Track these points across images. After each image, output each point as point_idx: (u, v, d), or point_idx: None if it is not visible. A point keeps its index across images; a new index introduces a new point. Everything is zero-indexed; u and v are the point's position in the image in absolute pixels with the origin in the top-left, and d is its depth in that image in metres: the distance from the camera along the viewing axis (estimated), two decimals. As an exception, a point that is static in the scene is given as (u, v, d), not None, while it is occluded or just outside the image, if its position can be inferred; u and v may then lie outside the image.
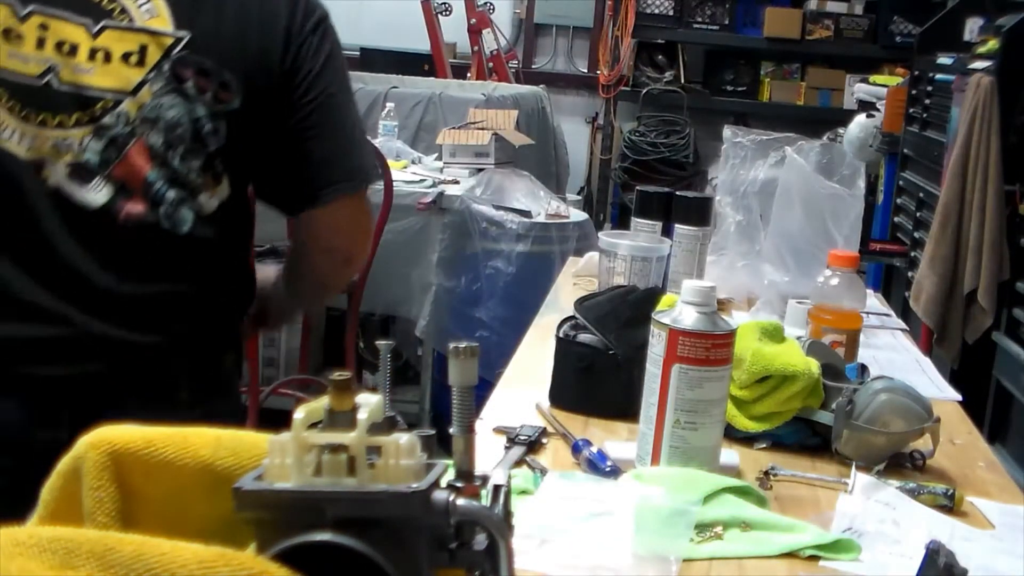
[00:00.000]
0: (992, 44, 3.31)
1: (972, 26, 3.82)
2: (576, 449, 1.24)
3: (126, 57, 1.30)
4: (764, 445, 1.33)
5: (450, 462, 0.69)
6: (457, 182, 3.59)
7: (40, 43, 1.28)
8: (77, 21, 1.29)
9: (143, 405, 1.29)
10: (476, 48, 5.79)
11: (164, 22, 1.30)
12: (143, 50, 1.30)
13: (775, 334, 1.38)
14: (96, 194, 1.30)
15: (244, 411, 1.59)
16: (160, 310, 1.33)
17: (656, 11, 6.30)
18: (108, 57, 1.30)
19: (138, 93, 1.30)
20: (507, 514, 0.69)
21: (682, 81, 6.41)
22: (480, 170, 3.69)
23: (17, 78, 1.28)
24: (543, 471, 1.18)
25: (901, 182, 4.22)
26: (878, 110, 4.59)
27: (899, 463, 1.31)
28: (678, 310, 1.18)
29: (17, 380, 1.28)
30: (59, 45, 1.29)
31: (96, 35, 1.30)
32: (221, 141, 1.33)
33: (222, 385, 1.43)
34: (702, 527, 1.06)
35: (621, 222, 6.06)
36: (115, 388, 1.31)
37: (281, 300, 1.60)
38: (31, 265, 1.29)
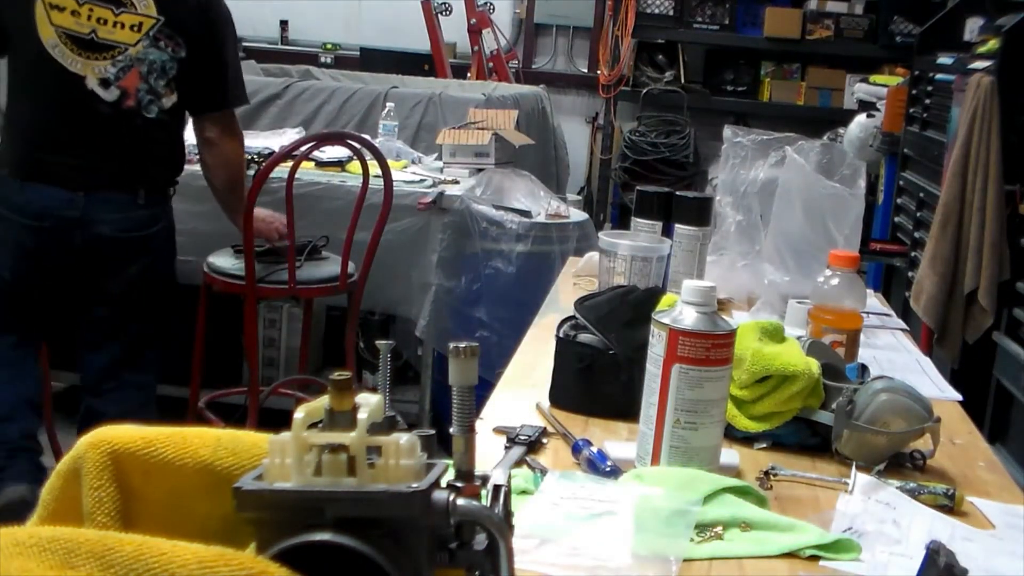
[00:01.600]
0: (992, 44, 3.31)
1: (972, 26, 3.82)
2: (576, 449, 1.24)
3: (131, 27, 2.55)
4: (764, 445, 1.33)
5: (450, 462, 0.69)
6: (457, 182, 3.58)
7: (88, 18, 2.52)
8: (107, 7, 2.53)
9: (120, 202, 2.59)
10: (476, 48, 5.79)
11: (152, 10, 2.57)
12: (140, 24, 2.56)
13: (775, 334, 1.38)
14: (111, 94, 2.55)
15: (172, 225, 2.75)
16: (136, 159, 2.61)
17: (656, 11, 6.31)
18: (123, 26, 2.55)
19: (136, 46, 2.56)
20: (507, 514, 0.69)
21: (682, 81, 6.41)
22: (480, 170, 3.68)
23: (77, 35, 2.52)
24: (543, 471, 1.18)
25: (901, 182, 4.21)
26: (878, 110, 4.59)
27: (899, 463, 1.31)
28: (678, 310, 1.18)
29: (63, 182, 2.54)
30: (98, 19, 2.53)
31: (117, 15, 2.54)
32: (175, 72, 2.60)
33: (165, 199, 2.72)
34: (702, 527, 1.06)
35: (621, 222, 6.07)
36: (108, 193, 2.58)
37: None
38: (77, 128, 2.55)
